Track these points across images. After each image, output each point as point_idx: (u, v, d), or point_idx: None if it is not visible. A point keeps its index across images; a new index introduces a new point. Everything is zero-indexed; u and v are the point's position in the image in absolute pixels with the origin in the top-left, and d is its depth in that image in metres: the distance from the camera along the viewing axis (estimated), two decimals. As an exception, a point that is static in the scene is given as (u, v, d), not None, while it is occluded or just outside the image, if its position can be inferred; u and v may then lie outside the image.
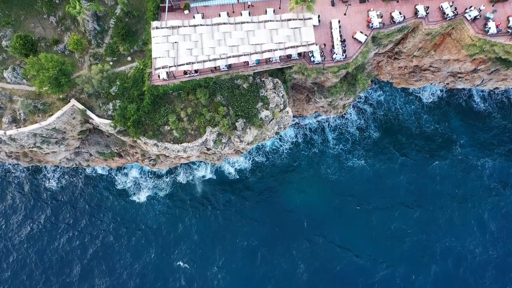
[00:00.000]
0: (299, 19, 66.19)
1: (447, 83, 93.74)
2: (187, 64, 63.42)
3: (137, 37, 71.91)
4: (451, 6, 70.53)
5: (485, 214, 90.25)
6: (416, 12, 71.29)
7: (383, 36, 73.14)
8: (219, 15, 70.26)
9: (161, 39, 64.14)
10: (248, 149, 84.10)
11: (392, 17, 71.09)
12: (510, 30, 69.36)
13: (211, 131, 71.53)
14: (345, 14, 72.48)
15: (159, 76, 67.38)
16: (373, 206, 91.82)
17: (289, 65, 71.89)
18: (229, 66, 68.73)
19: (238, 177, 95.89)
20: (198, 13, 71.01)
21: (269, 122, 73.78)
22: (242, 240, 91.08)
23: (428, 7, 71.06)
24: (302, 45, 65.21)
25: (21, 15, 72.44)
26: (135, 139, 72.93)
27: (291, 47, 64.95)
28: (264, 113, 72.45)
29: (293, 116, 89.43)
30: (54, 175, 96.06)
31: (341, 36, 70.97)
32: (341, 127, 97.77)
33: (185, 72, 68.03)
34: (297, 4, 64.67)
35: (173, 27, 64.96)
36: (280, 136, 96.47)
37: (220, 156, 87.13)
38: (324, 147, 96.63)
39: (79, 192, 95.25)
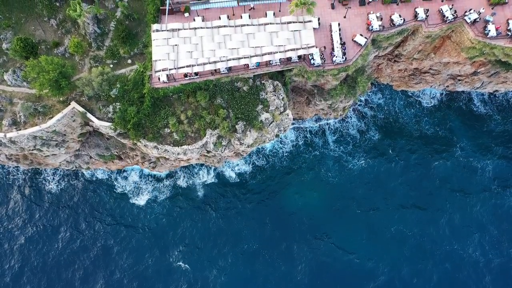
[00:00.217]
0: (299, 22, 66.22)
1: (447, 86, 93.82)
2: (187, 66, 63.48)
3: (137, 40, 72.02)
4: (450, 9, 70.68)
5: (485, 216, 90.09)
6: (416, 15, 71.43)
7: (383, 38, 73.29)
8: (219, 18, 70.45)
9: (162, 41, 64.25)
10: (248, 151, 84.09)
11: (392, 20, 71.22)
12: (509, 33, 69.49)
13: (211, 134, 71.54)
14: (345, 17, 72.64)
15: (159, 78, 67.40)
16: (373, 209, 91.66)
17: (289, 68, 71.99)
18: (229, 69, 68.83)
19: (238, 180, 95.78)
20: (198, 16, 71.17)
21: (269, 125, 73.78)
22: (243, 242, 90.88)
23: (428, 10, 71.17)
24: (302, 48, 65.26)
25: (21, 18, 72.58)
26: (135, 141, 72.94)
27: (291, 49, 65.00)
28: (264, 116, 72.48)
29: (293, 119, 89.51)
30: (53, 178, 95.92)
31: (341, 38, 71.09)
32: (341, 129, 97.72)
33: (185, 75, 68.11)
34: (297, 7, 64.85)
35: (173, 30, 65.06)
36: (280, 138, 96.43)
37: (220, 158, 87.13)
38: (324, 149, 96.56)
39: (79, 195, 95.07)
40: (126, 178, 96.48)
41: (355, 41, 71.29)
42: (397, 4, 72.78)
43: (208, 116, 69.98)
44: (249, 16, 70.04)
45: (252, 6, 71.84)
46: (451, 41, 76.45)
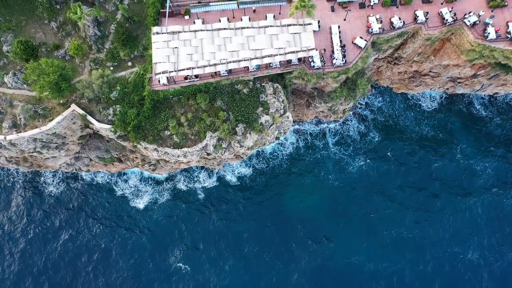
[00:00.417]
0: (299, 25, 66.42)
1: (447, 88, 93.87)
2: (187, 69, 63.57)
3: (137, 43, 72.15)
4: (450, 11, 70.81)
5: (486, 219, 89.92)
6: (415, 18, 71.55)
7: (382, 41, 73.37)
8: (219, 20, 70.37)
9: (162, 44, 64.37)
10: (248, 154, 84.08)
11: (391, 23, 71.34)
12: (509, 36, 69.55)
13: (211, 136, 71.54)
14: (344, 20, 72.76)
15: (159, 81, 67.50)
16: (374, 211, 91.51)
17: (289, 70, 72.07)
18: (229, 71, 68.90)
19: (238, 182, 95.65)
20: (198, 18, 71.28)
21: (269, 127, 73.82)
22: (243, 245, 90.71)
23: (427, 13, 71.33)
24: (302, 51, 65.39)
25: (22, 20, 72.74)
26: (135, 144, 72.94)
27: (291, 52, 65.14)
28: (264, 118, 72.51)
29: (293, 121, 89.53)
30: (53, 180, 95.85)
31: (341, 41, 71.21)
32: (342, 131, 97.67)
33: (185, 77, 68.15)
34: (297, 10, 64.94)
35: (173, 33, 65.22)
36: (281, 141, 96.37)
37: (220, 161, 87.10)
38: (325, 152, 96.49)
39: (79, 198, 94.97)
40: (126, 181, 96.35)
41: (355, 43, 71.40)
42: (397, 7, 72.93)
43: (208, 118, 70.00)
44: (249, 18, 69.99)
45: (254, 9, 71.97)
46: (451, 44, 76.56)
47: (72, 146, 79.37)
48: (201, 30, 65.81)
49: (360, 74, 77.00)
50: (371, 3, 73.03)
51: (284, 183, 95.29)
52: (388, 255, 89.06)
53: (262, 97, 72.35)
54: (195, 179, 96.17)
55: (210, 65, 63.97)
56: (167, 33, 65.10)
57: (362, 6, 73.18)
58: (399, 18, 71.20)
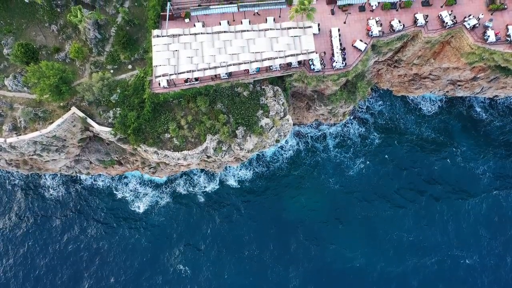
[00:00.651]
0: (299, 28, 66.49)
1: (447, 91, 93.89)
2: (187, 72, 63.63)
3: (138, 45, 72.24)
4: (450, 14, 70.89)
5: (487, 222, 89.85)
6: (415, 21, 71.65)
7: (382, 44, 73.49)
8: (220, 23, 70.71)
9: (162, 47, 64.46)
10: (248, 156, 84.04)
11: (391, 26, 71.44)
12: (509, 39, 69.62)
13: (211, 139, 71.51)
14: (344, 23, 72.88)
15: (159, 84, 67.48)
16: (374, 214, 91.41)
17: (289, 73, 72.09)
18: (230, 74, 68.93)
19: (239, 186, 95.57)
20: (198, 21, 71.43)
21: (269, 130, 73.79)
22: (243, 248, 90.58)
23: (427, 16, 71.39)
24: (302, 53, 65.42)
25: (22, 23, 72.87)
26: (135, 146, 72.91)
27: (291, 55, 65.16)
28: (264, 121, 72.50)
29: (294, 124, 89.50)
30: (53, 183, 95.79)
31: (341, 44, 71.26)
32: (342, 134, 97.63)
33: (185, 80, 68.21)
34: (297, 13, 65.06)
35: (173, 36, 65.31)
36: (281, 144, 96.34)
37: (220, 164, 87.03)
38: (325, 154, 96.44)
39: (78, 201, 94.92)
40: (126, 184, 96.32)
41: (355, 46, 71.48)
42: (397, 10, 73.06)
43: (208, 121, 69.97)
44: (249, 21, 70.31)
45: (256, 12, 72.06)
46: (450, 47, 76.64)
47: (72, 149, 79.33)
48: (201, 33, 65.91)
49: (360, 77, 77.05)
50: (374, 7, 72.97)
51: (284, 186, 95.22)
52: (388, 258, 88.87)
53: (262, 100, 72.38)
54: (195, 182, 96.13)
55: (210, 68, 64.01)
56: (168, 36, 65.19)
57: (362, 9, 73.28)
58: (399, 21, 71.29)
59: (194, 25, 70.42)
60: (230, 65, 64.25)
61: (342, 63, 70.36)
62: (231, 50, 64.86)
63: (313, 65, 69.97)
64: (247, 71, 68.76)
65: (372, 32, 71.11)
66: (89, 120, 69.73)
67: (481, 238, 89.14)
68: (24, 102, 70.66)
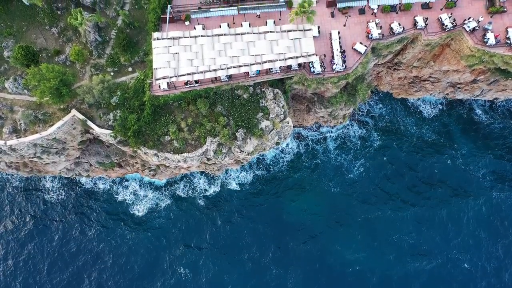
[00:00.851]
0: (299, 30, 66.62)
1: (447, 94, 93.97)
2: (187, 74, 63.70)
3: (138, 48, 72.35)
4: (449, 17, 71.03)
5: (488, 225, 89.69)
6: (415, 23, 71.76)
7: (382, 47, 73.58)
8: (220, 26, 70.66)
9: (162, 50, 64.57)
10: (249, 159, 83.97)
11: (391, 28, 71.57)
12: (508, 41, 69.74)
13: (211, 141, 71.52)
14: (344, 25, 72.98)
15: (159, 86, 67.59)
16: (374, 217, 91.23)
17: (289, 76, 72.21)
18: (230, 77, 69.04)
19: (239, 189, 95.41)
20: (198, 24, 71.53)
21: (270, 132, 73.81)
22: (244, 251, 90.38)
23: (427, 19, 71.51)
24: (302, 56, 65.55)
25: (23, 26, 72.99)
26: (135, 149, 72.90)
27: (291, 57, 65.26)
28: (264, 123, 72.53)
29: (294, 126, 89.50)
30: (53, 186, 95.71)
31: (341, 47, 71.38)
32: (343, 137, 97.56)
33: (185, 83, 68.29)
34: (297, 16, 65.15)
35: (174, 38, 65.46)
36: (282, 147, 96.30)
37: (221, 166, 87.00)
38: (325, 157, 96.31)
39: (78, 203, 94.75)
40: (126, 186, 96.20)
41: (355, 49, 71.57)
42: (397, 13, 73.19)
43: (208, 123, 70.01)
44: (249, 24, 70.41)
45: (258, 14, 72.18)
46: (450, 49, 76.76)
47: (72, 151, 79.32)
48: (201, 35, 66.05)
49: (360, 79, 77.13)
50: (376, 10, 73.12)
51: (284, 189, 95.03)
52: (389, 262, 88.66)
53: (262, 103, 72.43)
54: (195, 185, 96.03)
55: (210, 71, 64.11)
56: (168, 38, 65.35)
57: (362, 12, 73.43)
58: (399, 24, 71.40)
59: (194, 28, 70.58)
60: (230, 67, 64.33)
61: (342, 66, 70.44)
62: (231, 53, 64.95)
63: (313, 68, 70.05)
64: (247, 73, 68.84)
65: (372, 35, 71.22)
66: (89, 123, 69.75)
67: (482, 241, 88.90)
68: (24, 104, 70.68)
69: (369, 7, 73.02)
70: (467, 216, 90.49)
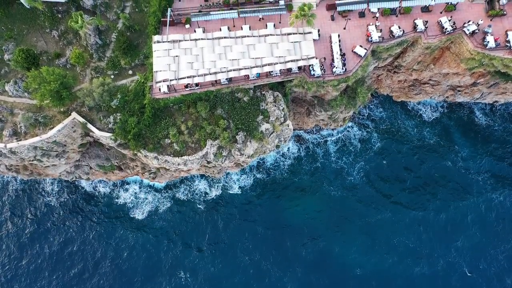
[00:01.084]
0: (299, 33, 66.75)
1: (447, 97, 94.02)
2: (188, 77, 63.77)
3: (138, 51, 72.43)
4: (449, 20, 71.12)
5: (489, 228, 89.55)
6: (415, 27, 71.85)
7: (382, 50, 73.66)
8: (220, 29, 70.94)
9: (162, 53, 64.63)
10: (249, 162, 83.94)
11: (391, 31, 71.67)
12: (508, 44, 69.77)
13: (211, 144, 71.49)
14: (344, 29, 73.12)
15: (160, 89, 67.64)
16: (375, 220, 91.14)
17: (289, 79, 72.22)
18: (230, 80, 69.07)
19: (239, 192, 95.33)
20: (199, 27, 71.69)
21: (270, 135, 73.80)
22: (244, 255, 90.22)
23: (426, 22, 71.60)
24: (302, 59, 65.62)
25: (23, 29, 73.13)
26: (135, 152, 72.84)
27: (291, 61, 65.34)
28: (264, 126, 72.53)
29: (294, 129, 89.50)
30: (53, 189, 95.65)
31: (341, 50, 71.44)
32: (343, 139, 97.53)
33: (186, 86, 68.33)
34: (297, 19, 65.34)
35: (174, 41, 65.52)
36: (282, 150, 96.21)
37: (221, 169, 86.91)
38: (326, 160, 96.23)
39: (78, 207, 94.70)
40: (126, 189, 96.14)
41: (355, 52, 71.66)
42: (396, 16, 73.32)
43: (208, 126, 69.99)
44: (250, 27, 70.56)
45: (261, 17, 72.26)
46: (450, 52, 76.84)
47: (72, 154, 79.28)
48: (201, 38, 66.18)
49: (360, 82, 77.18)
50: (378, 15, 73.22)
51: (285, 192, 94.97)
52: (389, 265, 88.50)
53: (262, 105, 72.45)
54: (195, 188, 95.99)
55: (210, 74, 64.16)
56: (168, 41, 65.41)
57: (362, 15, 73.57)
58: (399, 27, 71.51)
59: (195, 31, 70.67)
60: (231, 70, 64.40)
61: (342, 69, 70.51)
62: (232, 56, 65.07)
63: (313, 71, 70.10)
64: (247, 76, 68.90)
65: (372, 38, 71.30)
66: (90, 126, 69.74)
67: (482, 244, 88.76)
68: (25, 107, 70.71)
69: (369, 10, 73.18)
70: (467, 219, 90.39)
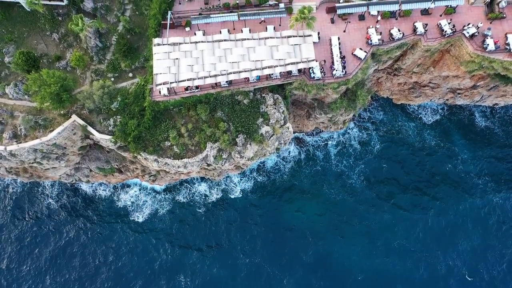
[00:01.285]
0: (299, 36, 66.77)
1: (447, 99, 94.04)
2: (188, 80, 63.79)
3: (138, 54, 72.53)
4: (449, 23, 71.24)
5: (490, 231, 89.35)
6: (415, 29, 71.96)
7: (382, 52, 73.75)
8: (220, 32, 70.98)
9: (163, 55, 64.70)
10: (249, 164, 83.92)
11: (391, 34, 71.77)
12: (508, 47, 69.91)
13: (211, 147, 71.49)
14: (344, 31, 73.24)
15: (160, 92, 67.60)
16: (375, 223, 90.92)
17: (289, 81, 72.30)
18: (230, 82, 69.15)
19: (239, 195, 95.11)
20: (199, 30, 71.76)
21: (270, 138, 73.78)
22: (244, 257, 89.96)
23: (426, 24, 71.70)
24: (302, 62, 65.66)
25: (24, 32, 73.27)
26: (135, 154, 72.86)
27: (291, 63, 65.39)
28: (264, 129, 72.53)
29: (294, 132, 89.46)
30: (52, 191, 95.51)
31: (340, 52, 71.56)
32: (344, 142, 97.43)
33: (186, 88, 68.40)
34: (297, 21, 65.39)
35: (174, 44, 65.62)
36: (282, 153, 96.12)
37: (221, 172, 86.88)
38: (326, 163, 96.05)
39: (78, 209, 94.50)
40: (126, 192, 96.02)
41: (354, 55, 71.73)
42: (396, 19, 73.45)
43: (208, 129, 70.02)
44: (250, 30, 70.70)
45: (263, 19, 72.38)
46: (450, 55, 76.92)
47: (72, 157, 79.28)
48: (201, 41, 66.19)
49: (360, 85, 77.31)
50: (379, 18, 73.31)
51: (285, 195, 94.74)
52: (389, 268, 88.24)
53: (262, 108, 72.50)
54: (195, 190, 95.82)
55: (210, 76, 64.21)
56: (168, 44, 65.50)
57: (361, 18, 73.71)
58: (399, 30, 71.59)
59: (195, 34, 70.70)
60: (231, 73, 64.46)
61: (342, 71, 70.56)
62: (232, 59, 65.11)
63: (313, 73, 70.16)
64: (247, 79, 68.94)
65: (371, 41, 71.39)
66: (90, 128, 69.77)
67: (483, 247, 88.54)
68: (25, 110, 70.77)
69: (369, 13, 73.27)
70: (467, 223, 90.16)
